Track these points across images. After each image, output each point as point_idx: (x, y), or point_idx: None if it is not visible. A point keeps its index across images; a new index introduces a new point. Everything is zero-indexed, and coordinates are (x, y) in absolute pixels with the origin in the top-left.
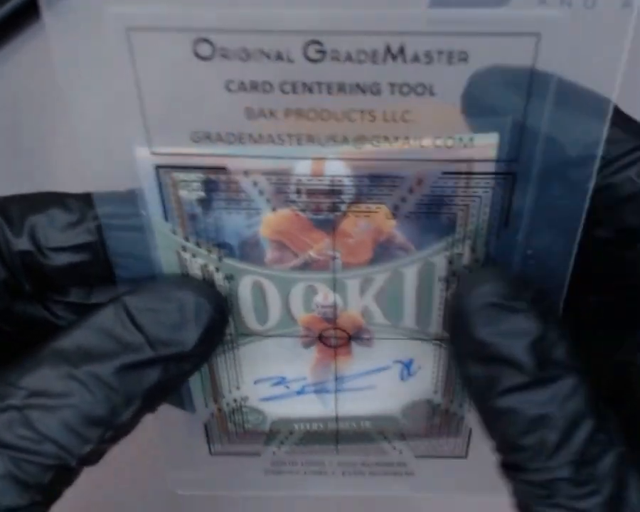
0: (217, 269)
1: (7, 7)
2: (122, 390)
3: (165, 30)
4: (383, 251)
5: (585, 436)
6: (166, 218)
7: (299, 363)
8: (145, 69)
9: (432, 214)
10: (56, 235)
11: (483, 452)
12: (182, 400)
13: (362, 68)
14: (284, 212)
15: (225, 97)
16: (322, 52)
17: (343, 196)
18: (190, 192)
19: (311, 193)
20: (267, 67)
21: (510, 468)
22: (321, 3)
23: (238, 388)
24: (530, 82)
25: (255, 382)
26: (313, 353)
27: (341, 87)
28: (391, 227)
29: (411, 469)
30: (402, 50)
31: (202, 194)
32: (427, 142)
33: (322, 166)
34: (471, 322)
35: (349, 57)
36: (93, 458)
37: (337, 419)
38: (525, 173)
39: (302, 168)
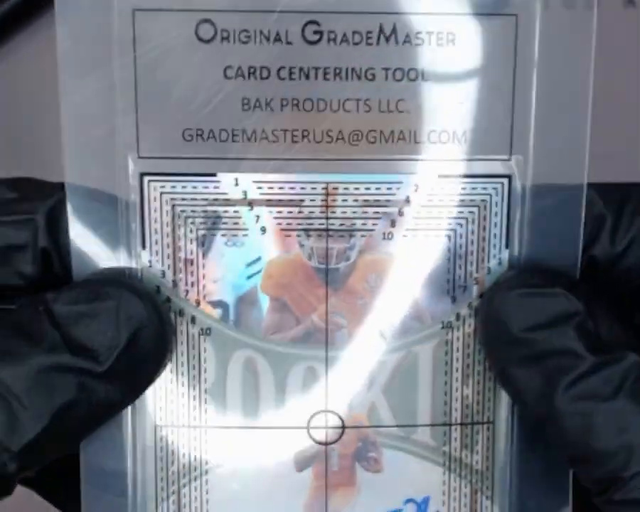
0: (208, 332)
1: (6, 6)
2: (27, 400)
3: (170, 10)
4: (395, 321)
5: None
6: (144, 245)
7: (290, 500)
8: (145, 52)
9: (430, 231)
10: None
11: None
12: None
13: (357, 51)
14: (289, 256)
15: (222, 85)
16: (319, 32)
17: (353, 240)
18: (190, 229)
19: (320, 233)
20: (266, 51)
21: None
22: None
23: None
24: None
25: None
26: (308, 481)
27: (337, 73)
28: (403, 285)
29: None
30: (394, 30)
31: (202, 231)
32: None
33: (335, 195)
34: (511, 319)
35: (345, 39)
36: None
37: None
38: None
39: (313, 198)
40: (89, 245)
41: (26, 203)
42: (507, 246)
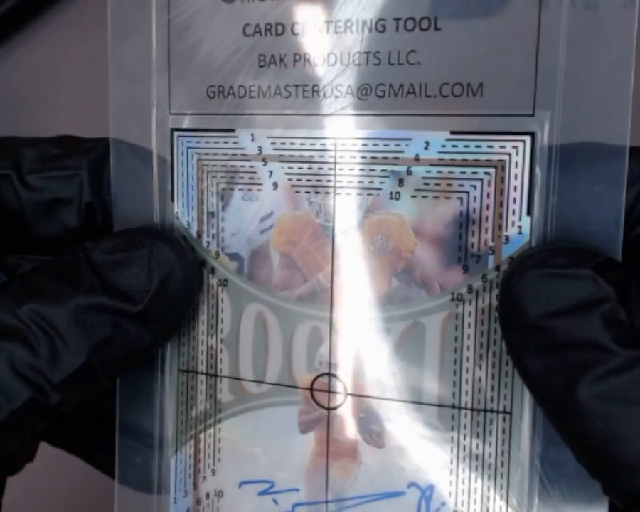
0: (225, 283)
1: (6, 6)
2: (68, 337)
3: None
4: (401, 287)
5: None
6: (172, 198)
7: (293, 462)
8: (178, 15)
9: (441, 192)
10: (39, 164)
11: None
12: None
13: (368, 2)
14: (299, 213)
15: (241, 43)
16: None
17: (360, 198)
18: (212, 183)
19: (327, 190)
20: (281, 7)
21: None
22: None
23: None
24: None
25: (240, 485)
26: (311, 445)
27: (348, 26)
28: (410, 249)
29: None
30: None
31: (223, 186)
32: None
33: (343, 152)
34: (529, 303)
35: None
36: (21, 430)
37: None
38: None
39: (322, 154)
40: (128, 198)
41: (71, 159)
42: (528, 213)
